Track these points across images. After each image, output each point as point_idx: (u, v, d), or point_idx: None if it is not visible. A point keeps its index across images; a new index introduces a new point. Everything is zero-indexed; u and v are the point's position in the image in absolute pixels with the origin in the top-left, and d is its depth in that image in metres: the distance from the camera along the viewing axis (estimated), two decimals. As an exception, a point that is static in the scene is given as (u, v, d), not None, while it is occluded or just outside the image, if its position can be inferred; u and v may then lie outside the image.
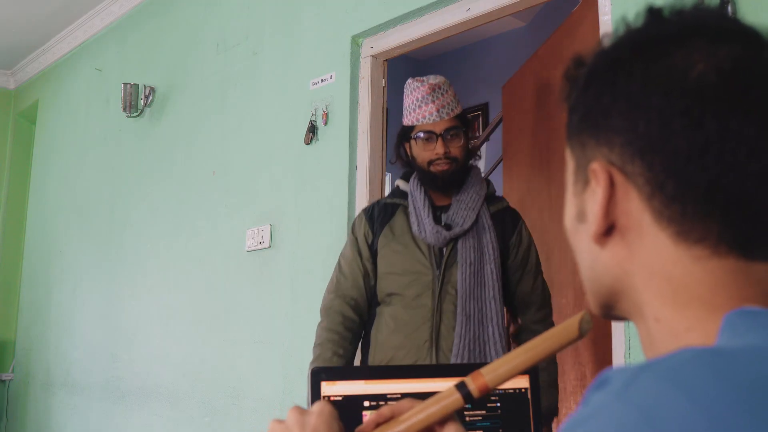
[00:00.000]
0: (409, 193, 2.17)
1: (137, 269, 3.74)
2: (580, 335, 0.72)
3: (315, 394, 1.08)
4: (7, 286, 5.03)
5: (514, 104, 3.27)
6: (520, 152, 3.18)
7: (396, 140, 2.21)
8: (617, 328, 1.94)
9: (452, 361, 1.95)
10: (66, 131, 4.63)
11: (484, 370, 0.75)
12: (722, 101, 0.50)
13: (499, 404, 1.15)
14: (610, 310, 0.59)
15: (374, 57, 2.75)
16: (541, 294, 2.17)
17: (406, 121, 2.14)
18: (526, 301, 2.16)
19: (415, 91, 2.12)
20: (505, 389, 1.15)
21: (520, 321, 2.19)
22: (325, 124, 2.84)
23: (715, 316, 0.49)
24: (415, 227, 2.08)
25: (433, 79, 2.13)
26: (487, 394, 0.76)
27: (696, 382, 0.41)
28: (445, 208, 2.14)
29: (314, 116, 2.89)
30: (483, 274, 2.05)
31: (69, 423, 4.16)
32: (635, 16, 0.57)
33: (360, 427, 0.79)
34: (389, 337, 2.06)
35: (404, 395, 1.09)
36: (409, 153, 2.16)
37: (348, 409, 1.07)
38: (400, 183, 2.23)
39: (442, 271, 2.05)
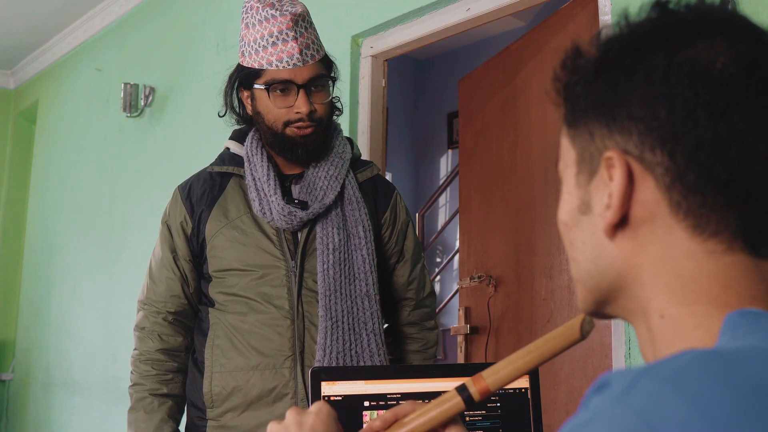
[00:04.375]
0: (245, 158, 1.63)
1: (137, 269, 3.73)
2: (582, 336, 0.73)
3: (315, 394, 1.08)
4: (7, 286, 5.03)
5: (475, 101, 3.11)
6: (480, 154, 3.02)
7: (227, 85, 1.64)
8: (617, 330, 1.94)
9: None
10: (66, 131, 4.62)
11: (485, 372, 0.75)
12: (745, 94, 0.50)
13: (499, 404, 1.15)
14: (602, 308, 0.59)
15: (374, 57, 2.74)
16: (417, 289, 1.72)
17: (250, 61, 1.56)
18: (399, 297, 1.71)
19: (267, 21, 1.52)
20: (505, 389, 1.15)
21: (385, 324, 1.70)
22: (325, 124, 2.84)
23: (721, 313, 0.49)
24: (256, 206, 1.56)
25: (292, 7, 1.54)
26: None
27: (696, 387, 0.41)
28: (296, 177, 1.63)
29: (314, 116, 2.87)
30: (352, 264, 1.57)
31: (69, 423, 4.16)
32: (639, 9, 0.56)
33: (362, 431, 0.79)
34: (233, 358, 1.54)
35: (404, 395, 1.09)
36: (249, 106, 1.62)
37: (348, 409, 1.07)
38: (232, 144, 1.70)
39: (299, 262, 1.56)
